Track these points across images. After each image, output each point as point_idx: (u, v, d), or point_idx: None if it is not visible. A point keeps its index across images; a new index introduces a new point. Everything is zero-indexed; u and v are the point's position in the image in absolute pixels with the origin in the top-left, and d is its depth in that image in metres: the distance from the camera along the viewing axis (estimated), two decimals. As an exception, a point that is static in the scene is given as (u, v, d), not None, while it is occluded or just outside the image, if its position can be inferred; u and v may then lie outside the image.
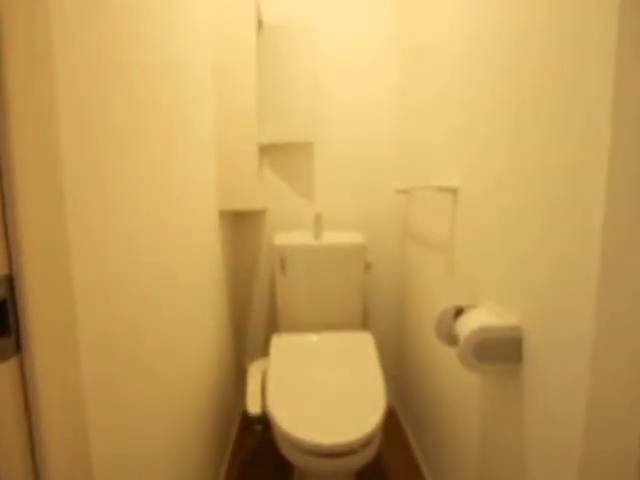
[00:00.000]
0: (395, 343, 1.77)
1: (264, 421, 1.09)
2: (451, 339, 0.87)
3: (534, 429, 0.68)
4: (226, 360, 1.47)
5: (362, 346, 1.34)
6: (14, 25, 0.37)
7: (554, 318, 0.63)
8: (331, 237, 1.50)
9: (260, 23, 1.51)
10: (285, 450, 0.98)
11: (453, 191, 1.02)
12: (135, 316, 0.66)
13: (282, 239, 1.48)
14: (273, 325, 1.71)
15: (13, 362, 0.40)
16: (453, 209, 1.04)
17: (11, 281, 0.39)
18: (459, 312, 0.86)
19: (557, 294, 0.62)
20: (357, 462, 0.93)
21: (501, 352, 0.73)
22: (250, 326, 1.72)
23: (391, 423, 1.65)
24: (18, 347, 0.40)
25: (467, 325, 0.75)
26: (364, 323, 1.73)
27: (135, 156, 0.67)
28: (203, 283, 1.14)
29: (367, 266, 1.53)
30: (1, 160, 0.38)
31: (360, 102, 1.62)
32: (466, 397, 0.99)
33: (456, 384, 1.05)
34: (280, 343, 1.36)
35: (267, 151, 1.61)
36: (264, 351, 1.71)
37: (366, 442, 0.92)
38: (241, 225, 1.65)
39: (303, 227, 1.66)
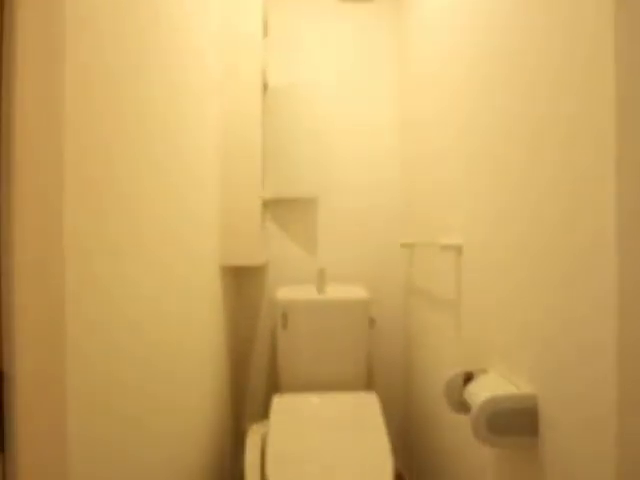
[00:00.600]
0: (401, 403, 1.68)
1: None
2: (461, 406, 0.82)
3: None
4: (225, 421, 1.39)
5: (367, 408, 1.27)
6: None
7: (572, 386, 0.59)
8: (335, 292, 1.47)
9: (265, 86, 1.60)
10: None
11: (457, 248, 1.01)
12: (133, 377, 0.63)
13: (284, 294, 1.45)
14: (274, 383, 1.64)
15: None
16: (458, 266, 1.03)
17: (1, 376, 0.37)
18: (469, 377, 0.82)
19: (574, 360, 0.59)
20: None
21: (516, 424, 0.69)
22: (250, 384, 1.65)
23: (400, 494, 1.52)
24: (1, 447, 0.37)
25: (478, 394, 0.71)
26: (369, 381, 1.66)
27: (139, 211, 0.67)
28: (203, 341, 1.10)
29: (371, 322, 1.49)
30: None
31: (362, 158, 1.66)
32: (479, 470, 0.92)
33: (468, 454, 0.98)
34: (281, 405, 1.29)
35: (271, 205, 1.64)
36: (264, 411, 1.62)
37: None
38: (242, 279, 1.64)
39: (306, 281, 1.64)
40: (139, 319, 0.67)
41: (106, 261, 0.56)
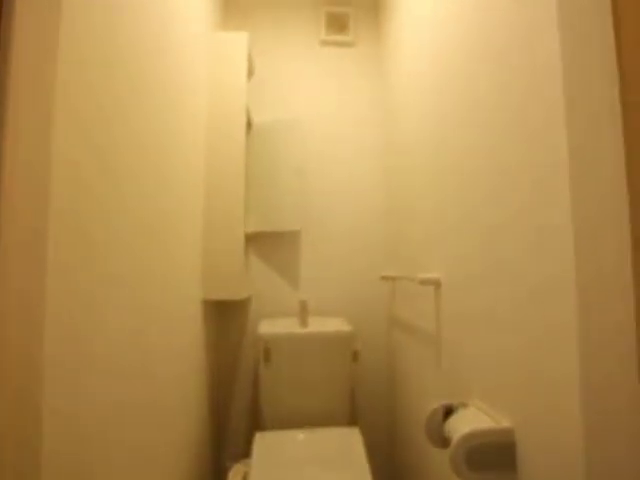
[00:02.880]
0: (385, 437, 1.66)
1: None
2: (442, 441, 0.82)
3: None
4: (205, 460, 1.35)
5: (350, 445, 1.25)
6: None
7: (544, 421, 0.61)
8: (317, 325, 1.48)
9: (250, 123, 1.65)
10: None
11: (436, 283, 1.04)
12: (108, 421, 0.62)
13: (267, 327, 1.45)
14: (256, 419, 1.60)
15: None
16: (437, 300, 1.06)
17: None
18: (449, 411, 0.83)
19: (544, 394, 0.61)
20: None
21: (495, 459, 0.69)
22: (231, 421, 1.60)
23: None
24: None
25: (457, 429, 0.72)
26: (352, 416, 1.64)
27: (120, 244, 0.68)
28: (183, 377, 1.08)
29: (355, 355, 1.49)
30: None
31: (344, 192, 1.71)
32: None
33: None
34: (263, 442, 1.26)
35: (254, 239, 1.65)
36: (246, 449, 1.58)
37: None
38: (224, 313, 1.63)
39: (288, 314, 1.64)
40: (117, 357, 0.67)
41: (82, 301, 0.57)
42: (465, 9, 0.89)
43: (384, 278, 1.46)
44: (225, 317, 1.62)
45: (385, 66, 1.68)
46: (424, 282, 1.04)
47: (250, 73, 1.68)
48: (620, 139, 0.52)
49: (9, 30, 0.40)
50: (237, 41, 1.47)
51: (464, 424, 0.73)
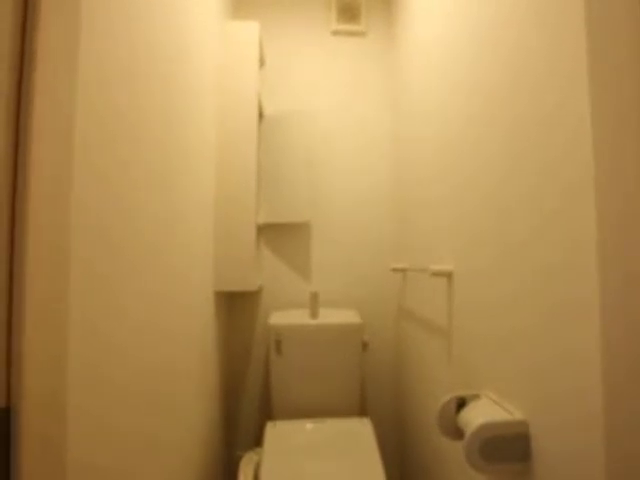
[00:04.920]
0: (395, 427, 1.67)
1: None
2: (455, 433, 0.82)
3: (552, 543, 0.63)
4: (217, 449, 1.37)
5: (361, 435, 1.26)
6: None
7: (561, 412, 0.61)
8: (328, 316, 1.48)
9: (261, 114, 1.65)
10: None
11: (448, 275, 1.04)
12: (126, 412, 0.63)
13: (278, 319, 1.46)
14: (267, 409, 1.62)
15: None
16: (449, 292, 1.05)
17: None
18: (461, 403, 0.83)
19: (561, 385, 0.61)
20: None
21: (508, 450, 0.69)
22: (243, 411, 1.62)
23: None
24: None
25: (472, 421, 0.72)
26: (362, 406, 1.65)
27: (135, 236, 0.69)
28: (196, 367, 1.10)
29: (364, 346, 1.50)
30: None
31: (355, 183, 1.70)
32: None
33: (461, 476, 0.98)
34: (274, 432, 1.27)
35: (264, 230, 1.66)
36: (257, 438, 1.60)
37: None
38: (235, 304, 1.64)
39: (299, 305, 1.65)
40: (133, 349, 0.68)
41: (101, 294, 0.57)
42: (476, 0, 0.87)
43: (394, 270, 1.46)
44: (236, 308, 1.63)
45: (396, 56, 1.66)
46: (436, 274, 1.03)
47: (261, 63, 1.67)
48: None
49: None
50: (248, 30, 1.46)
51: (478, 416, 0.73)
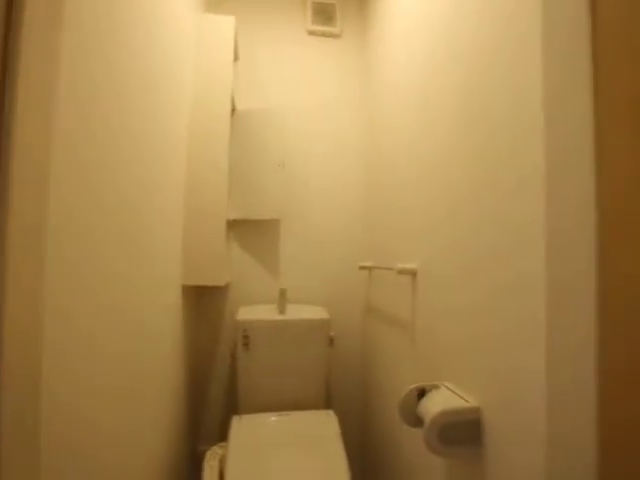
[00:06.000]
0: (359, 420, 1.72)
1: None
2: (415, 420, 0.87)
3: (499, 518, 0.69)
4: (181, 443, 1.36)
5: (325, 426, 1.30)
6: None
7: (508, 399, 0.67)
8: (296, 312, 1.51)
9: (233, 109, 1.64)
10: None
11: (412, 272, 1.09)
12: (94, 406, 0.63)
13: (245, 314, 1.47)
14: (233, 405, 1.62)
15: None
16: (413, 289, 1.11)
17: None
18: (422, 392, 0.88)
19: (509, 376, 0.67)
20: None
21: (464, 435, 0.75)
22: (208, 406, 1.62)
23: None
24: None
25: (430, 408, 0.77)
26: (327, 399, 1.69)
27: (102, 226, 0.68)
28: (161, 362, 1.09)
29: (331, 341, 1.53)
30: None
31: (327, 183, 1.74)
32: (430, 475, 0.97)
33: (422, 466, 1.04)
34: (240, 426, 1.29)
35: (234, 226, 1.66)
36: (221, 433, 1.60)
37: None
38: (203, 299, 1.63)
39: (268, 302, 1.66)
40: (101, 340, 0.68)
41: (67, 270, 0.57)
42: (449, 7, 0.92)
43: (362, 268, 1.50)
44: (204, 303, 1.62)
45: (370, 59, 1.71)
46: (402, 272, 1.08)
47: (235, 57, 1.67)
48: (592, 147, 0.57)
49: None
50: (223, 24, 1.45)
51: (436, 404, 0.78)
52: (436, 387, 0.88)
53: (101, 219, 0.64)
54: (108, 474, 0.69)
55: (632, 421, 0.51)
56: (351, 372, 1.72)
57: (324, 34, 1.76)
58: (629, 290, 0.52)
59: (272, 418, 1.34)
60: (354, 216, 1.75)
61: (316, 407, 1.46)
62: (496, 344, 0.71)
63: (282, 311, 1.50)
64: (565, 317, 0.57)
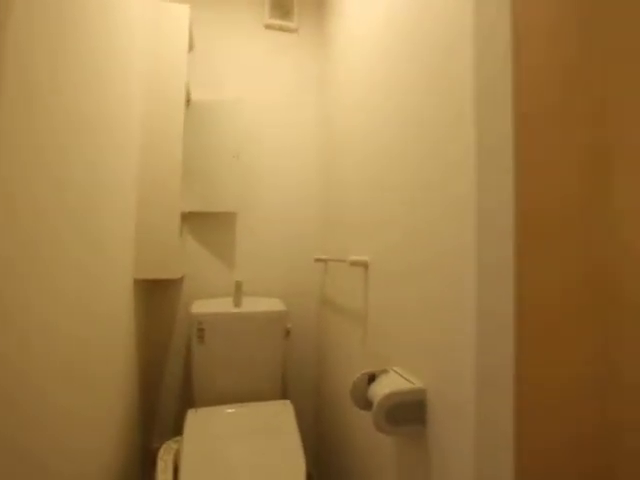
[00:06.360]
0: (315, 409, 1.77)
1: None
2: (366, 404, 0.92)
3: (440, 487, 0.75)
4: (133, 440, 1.33)
5: (281, 415, 1.32)
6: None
7: (446, 380, 0.73)
8: (251, 304, 1.52)
9: (188, 99, 1.61)
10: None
11: (365, 265, 1.14)
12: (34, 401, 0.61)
13: (200, 307, 1.46)
14: (187, 400, 1.60)
15: None
16: (365, 280, 1.16)
17: None
18: (372, 378, 0.93)
19: (447, 359, 0.73)
20: None
21: (410, 414, 0.81)
22: (161, 402, 1.59)
23: (310, 498, 1.59)
24: None
25: (378, 391, 0.82)
26: (283, 390, 1.72)
27: (49, 214, 0.66)
28: (112, 358, 1.06)
29: (287, 333, 1.56)
30: None
31: (284, 177, 1.75)
32: (382, 460, 1.03)
33: (373, 448, 1.10)
34: (195, 419, 1.28)
35: (189, 218, 1.63)
36: (176, 429, 1.58)
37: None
38: (156, 292, 1.59)
39: (224, 295, 1.66)
40: (50, 316, 0.66)
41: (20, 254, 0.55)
42: (396, 15, 0.97)
43: (317, 260, 1.54)
44: (157, 297, 1.59)
45: (326, 55, 1.73)
46: (354, 264, 1.13)
47: (190, 47, 1.63)
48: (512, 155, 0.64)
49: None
50: (178, 12, 1.41)
51: (384, 387, 0.84)
52: (385, 372, 0.93)
53: (54, 204, 0.62)
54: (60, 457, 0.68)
55: (545, 379, 0.58)
56: (307, 362, 1.76)
57: (281, 28, 1.76)
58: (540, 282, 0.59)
59: (228, 410, 1.35)
60: (310, 210, 1.78)
61: (273, 398, 1.49)
62: (437, 329, 0.77)
63: (238, 304, 1.50)
64: (489, 302, 0.64)
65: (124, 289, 1.18)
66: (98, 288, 0.91)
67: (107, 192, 0.97)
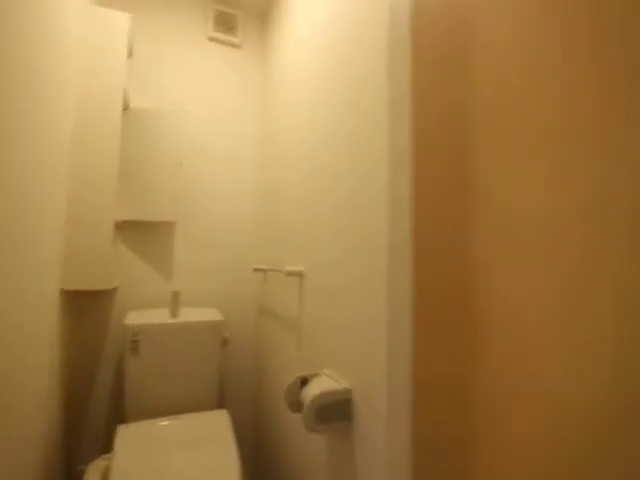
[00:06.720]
0: (254, 417, 1.78)
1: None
2: (299, 407, 0.98)
3: (362, 474, 0.82)
4: (55, 463, 1.25)
5: (217, 425, 1.33)
6: None
7: (367, 381, 0.81)
8: (188, 315, 1.51)
9: (126, 106, 1.58)
10: None
11: (300, 275, 1.20)
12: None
13: (135, 318, 1.42)
14: (119, 415, 1.54)
15: None
16: (300, 289, 1.22)
17: None
18: (305, 381, 0.99)
19: (368, 362, 0.81)
20: None
21: (339, 412, 0.88)
22: (90, 420, 1.51)
23: (246, 508, 1.59)
24: None
25: (309, 392, 0.88)
26: (221, 400, 1.72)
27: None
28: (36, 374, 1.01)
29: (224, 342, 1.57)
30: None
31: (223, 188, 1.77)
32: (316, 458, 1.09)
33: (308, 448, 1.15)
34: (127, 434, 1.24)
35: (125, 227, 1.59)
36: (106, 448, 1.51)
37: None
38: (89, 304, 1.52)
39: (160, 305, 1.63)
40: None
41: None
42: (333, 43, 1.07)
43: (256, 270, 1.58)
44: (90, 309, 1.52)
45: (270, 73, 1.80)
46: (290, 274, 1.19)
47: (129, 54, 1.61)
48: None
49: None
50: (117, 21, 1.40)
51: (314, 389, 0.90)
52: (317, 375, 1.00)
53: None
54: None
55: (430, 378, 0.68)
56: (246, 371, 1.78)
57: (225, 43, 1.80)
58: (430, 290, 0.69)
59: (161, 423, 1.32)
60: (250, 221, 1.82)
61: (210, 409, 1.48)
62: (360, 337, 0.85)
63: (174, 314, 1.49)
64: (395, 319, 0.73)
65: (47, 300, 1.13)
66: (13, 299, 0.88)
67: (29, 200, 0.94)
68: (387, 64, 0.80)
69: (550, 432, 0.50)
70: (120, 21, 1.41)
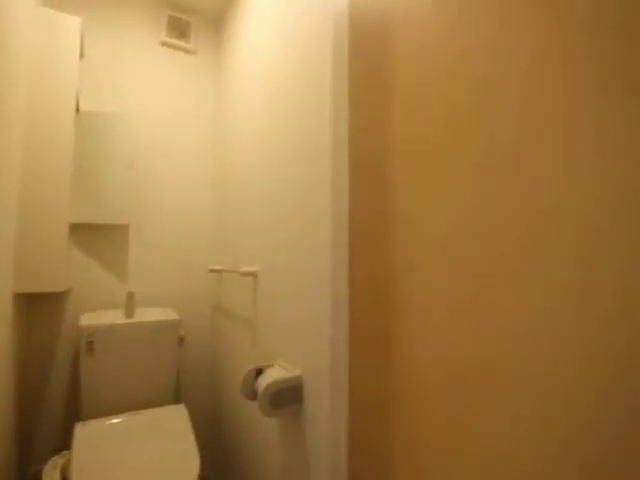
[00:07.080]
0: (211, 412, 1.85)
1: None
2: (254, 395, 1.08)
3: (312, 452, 0.95)
4: (7, 467, 1.26)
5: (174, 419, 1.39)
6: None
7: (314, 369, 0.94)
8: (144, 315, 1.55)
9: (77, 108, 1.58)
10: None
11: (254, 275, 1.30)
12: None
13: (90, 319, 1.45)
14: (75, 415, 1.55)
15: None
16: (255, 288, 1.32)
17: None
18: (259, 372, 1.09)
19: (315, 352, 0.93)
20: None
21: (291, 397, 0.99)
22: (44, 421, 1.51)
23: (203, 497, 1.67)
24: None
25: (263, 381, 0.99)
26: (178, 397, 1.77)
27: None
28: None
29: (180, 340, 1.63)
30: None
31: (177, 191, 1.81)
32: (271, 440, 1.20)
33: (263, 432, 1.25)
34: (85, 431, 1.28)
35: (78, 230, 1.59)
36: (62, 448, 1.52)
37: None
38: (43, 307, 1.51)
39: (116, 307, 1.65)
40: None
41: None
42: (287, 59, 1.17)
43: (212, 271, 1.65)
44: (43, 312, 1.51)
45: (222, 78, 1.86)
46: (245, 274, 1.28)
47: (80, 55, 1.60)
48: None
49: None
50: (68, 23, 1.40)
51: (268, 377, 1.01)
52: (271, 366, 1.11)
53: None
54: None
55: (364, 382, 0.82)
56: (202, 368, 1.84)
57: (178, 48, 1.84)
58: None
59: (120, 419, 1.37)
60: (205, 223, 1.87)
61: (167, 404, 1.53)
62: (308, 332, 0.97)
63: (130, 315, 1.52)
64: (336, 322, 0.86)
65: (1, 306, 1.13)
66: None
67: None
68: (331, 71, 0.92)
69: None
70: (71, 23, 1.41)
